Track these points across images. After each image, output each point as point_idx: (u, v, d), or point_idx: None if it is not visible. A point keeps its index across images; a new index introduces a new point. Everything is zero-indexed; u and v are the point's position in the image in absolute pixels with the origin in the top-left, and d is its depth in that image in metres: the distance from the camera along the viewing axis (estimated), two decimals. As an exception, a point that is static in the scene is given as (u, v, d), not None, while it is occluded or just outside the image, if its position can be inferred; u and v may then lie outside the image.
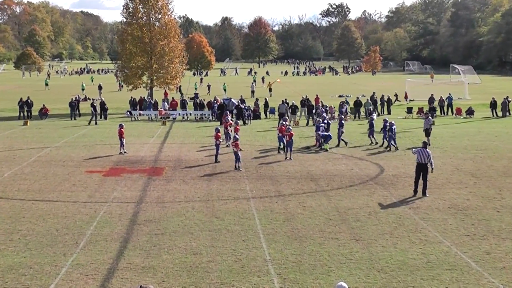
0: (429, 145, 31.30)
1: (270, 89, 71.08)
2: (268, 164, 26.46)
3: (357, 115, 47.29)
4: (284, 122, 30.28)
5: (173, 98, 51.34)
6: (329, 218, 17.41)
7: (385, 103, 51.22)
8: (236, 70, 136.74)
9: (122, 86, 55.69)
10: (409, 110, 49.05)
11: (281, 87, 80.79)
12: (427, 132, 32.10)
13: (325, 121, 32.61)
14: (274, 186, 21.89)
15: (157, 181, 22.82)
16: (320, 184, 22.33)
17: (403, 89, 68.82)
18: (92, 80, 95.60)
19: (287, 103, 44.79)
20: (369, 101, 48.69)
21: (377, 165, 26.30)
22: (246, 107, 45.23)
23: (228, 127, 32.57)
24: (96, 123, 42.94)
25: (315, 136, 31.66)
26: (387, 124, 30.69)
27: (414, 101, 60.37)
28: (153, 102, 49.26)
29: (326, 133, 30.88)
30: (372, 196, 20.32)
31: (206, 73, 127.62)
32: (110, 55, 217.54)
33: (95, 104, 45.17)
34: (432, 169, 20.37)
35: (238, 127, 31.25)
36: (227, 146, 30.86)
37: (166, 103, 49.69)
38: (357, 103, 47.61)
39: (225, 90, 72.33)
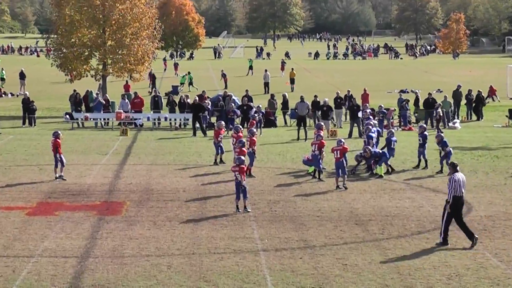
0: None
1: (292, 80, 70.97)
2: (289, 198, 26.49)
3: (429, 120, 47.00)
4: (320, 133, 30.67)
5: (135, 93, 51.12)
6: (384, 284, 17.40)
7: (473, 103, 51.07)
8: (268, 55, 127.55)
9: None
10: (512, 115, 48.97)
11: (308, 77, 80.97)
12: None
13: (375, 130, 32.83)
14: (297, 233, 21.91)
15: (113, 224, 22.86)
16: (370, 229, 22.34)
17: (502, 80, 68.73)
18: None
19: (318, 102, 44.81)
20: (447, 100, 48.50)
21: (461, 200, 26.23)
22: (255, 109, 45.24)
23: (219, 138, 32.78)
24: None
25: (364, 150, 31.48)
26: (426, 132, 31.79)
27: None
28: (103, 101, 49.08)
29: (379, 150, 30.90)
30: (452, 249, 20.29)
31: (191, 54, 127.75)
32: (39, 26, 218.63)
33: None
34: (448, 201, 20.41)
35: (254, 139, 30.96)
36: (214, 163, 32.39)
37: (127, 100, 49.81)
38: (429, 104, 47.35)
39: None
